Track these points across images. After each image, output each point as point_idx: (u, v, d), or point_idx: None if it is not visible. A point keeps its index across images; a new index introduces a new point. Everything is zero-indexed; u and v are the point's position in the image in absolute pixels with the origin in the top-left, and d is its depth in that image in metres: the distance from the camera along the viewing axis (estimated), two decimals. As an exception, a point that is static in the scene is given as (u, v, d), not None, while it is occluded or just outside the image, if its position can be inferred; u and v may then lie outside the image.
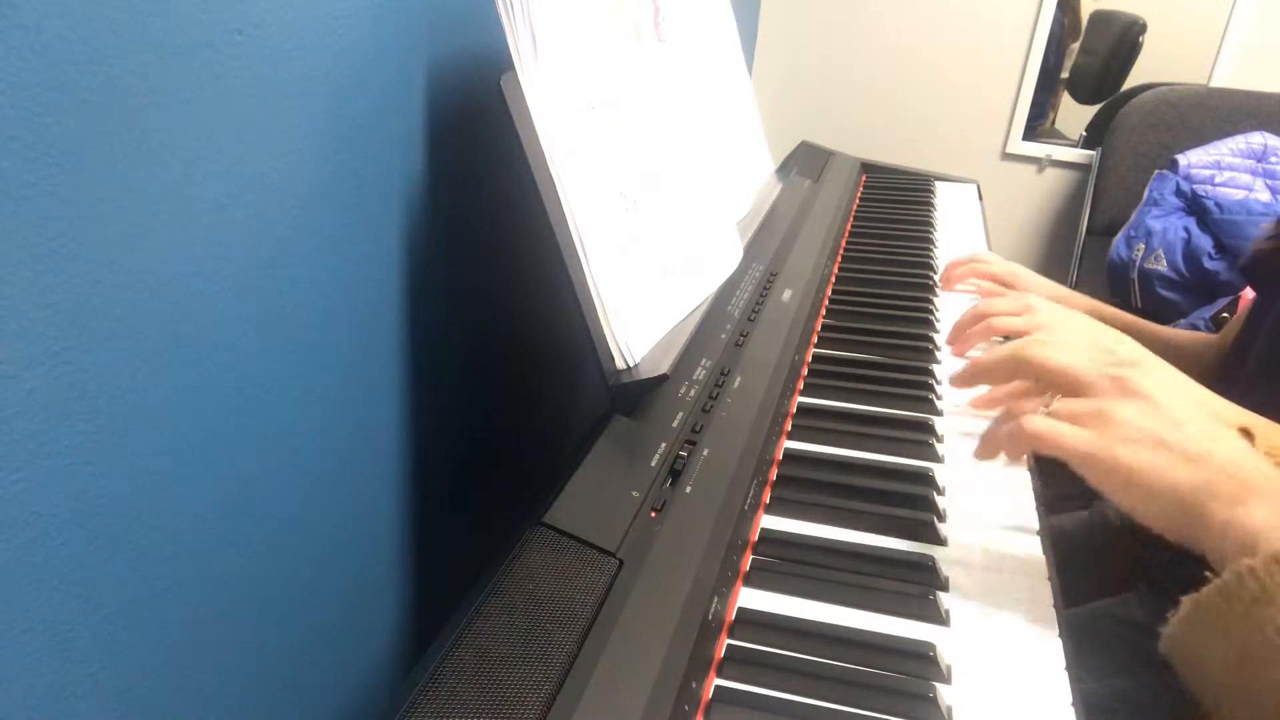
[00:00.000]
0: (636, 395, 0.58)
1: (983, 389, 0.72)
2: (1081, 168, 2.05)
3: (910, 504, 0.59)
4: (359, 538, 0.60)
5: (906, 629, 0.49)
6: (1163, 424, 0.48)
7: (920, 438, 0.67)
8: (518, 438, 0.86)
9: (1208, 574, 0.43)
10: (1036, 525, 0.58)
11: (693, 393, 0.63)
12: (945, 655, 0.47)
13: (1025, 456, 0.66)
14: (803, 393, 0.74)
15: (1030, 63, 1.99)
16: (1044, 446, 0.51)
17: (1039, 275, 0.99)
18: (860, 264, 1.04)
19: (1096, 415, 0.49)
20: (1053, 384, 0.59)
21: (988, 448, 0.54)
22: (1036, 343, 0.60)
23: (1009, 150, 2.07)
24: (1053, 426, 0.50)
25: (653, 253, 0.64)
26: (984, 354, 0.66)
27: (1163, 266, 1.75)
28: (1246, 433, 0.57)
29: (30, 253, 0.32)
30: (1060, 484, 0.61)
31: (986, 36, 2.00)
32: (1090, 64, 2.28)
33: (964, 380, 0.64)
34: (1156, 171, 1.82)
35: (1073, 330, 0.73)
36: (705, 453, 0.58)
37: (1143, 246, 1.78)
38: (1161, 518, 0.46)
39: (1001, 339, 0.81)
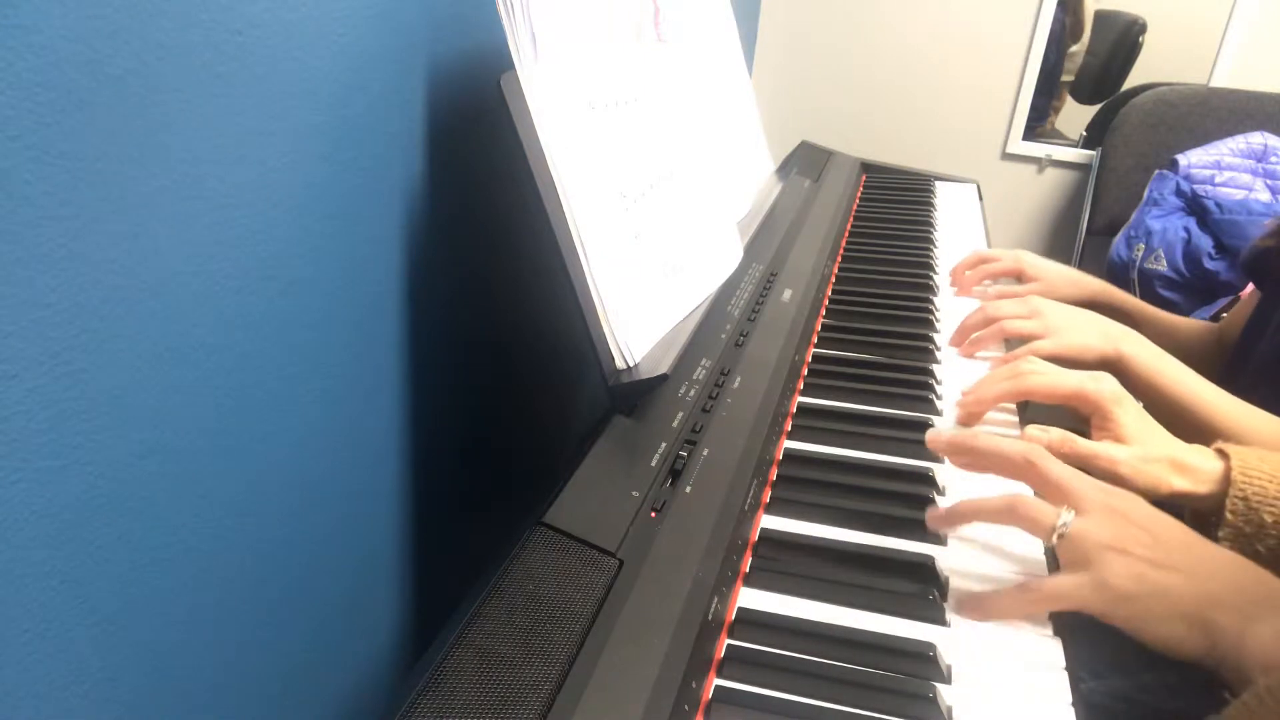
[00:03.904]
0: (636, 395, 0.58)
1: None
2: (1081, 168, 2.05)
3: (910, 504, 0.59)
4: (359, 538, 0.60)
5: (906, 629, 0.49)
6: (1159, 545, 0.48)
7: (920, 438, 0.67)
8: (518, 438, 0.86)
9: (1227, 694, 0.43)
10: (1036, 525, 0.58)
11: (693, 393, 0.63)
12: (945, 655, 0.47)
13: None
14: (803, 393, 0.74)
15: (1030, 63, 1.98)
16: (1051, 607, 0.50)
17: (1046, 260, 0.99)
18: (860, 264, 1.04)
19: (1096, 547, 0.49)
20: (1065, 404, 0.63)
21: (999, 614, 0.51)
22: (1033, 373, 0.64)
23: (1009, 150, 2.07)
24: (1058, 586, 0.49)
25: (653, 252, 0.64)
26: (986, 386, 0.67)
27: (1163, 266, 1.75)
28: (1222, 454, 0.58)
29: (30, 253, 0.32)
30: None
31: (986, 36, 1.99)
32: (1090, 64, 2.28)
33: (968, 419, 0.69)
34: (1156, 171, 1.82)
35: (1080, 330, 0.74)
36: (705, 453, 0.58)
37: (1143, 246, 1.78)
38: (1175, 642, 0.46)
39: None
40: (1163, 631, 0.46)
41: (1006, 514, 0.52)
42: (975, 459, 0.57)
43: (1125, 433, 0.60)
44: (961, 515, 0.55)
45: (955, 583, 0.53)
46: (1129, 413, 0.61)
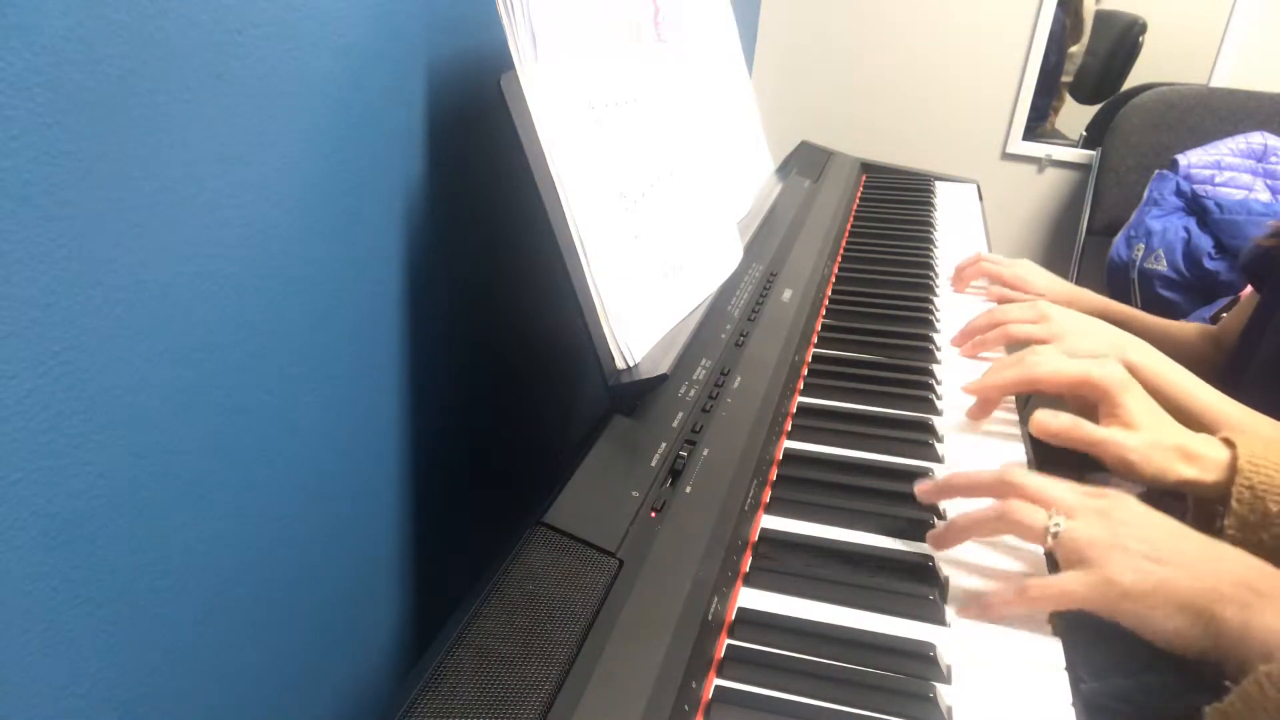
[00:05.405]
0: (636, 395, 0.58)
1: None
2: (1081, 168, 2.04)
3: (910, 504, 0.59)
4: (359, 537, 0.60)
5: (906, 629, 0.49)
6: (1155, 541, 0.48)
7: (920, 438, 0.67)
8: (518, 438, 0.86)
9: (1227, 684, 0.43)
10: (1036, 525, 0.58)
11: (693, 393, 0.63)
12: (945, 655, 0.47)
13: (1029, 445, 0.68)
14: (803, 393, 0.74)
15: (1030, 63, 1.98)
16: (1054, 607, 0.50)
17: (1047, 272, 0.99)
18: (860, 264, 1.04)
19: (1091, 546, 0.49)
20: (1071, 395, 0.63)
21: (1000, 615, 0.51)
22: (1041, 361, 0.64)
23: (1009, 150, 2.07)
24: (1057, 584, 0.49)
25: (653, 253, 0.64)
26: (993, 374, 0.67)
27: (1163, 266, 1.75)
28: (1229, 443, 0.58)
29: (30, 253, 0.32)
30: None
31: (986, 36, 1.99)
32: (1090, 64, 2.28)
33: (977, 410, 0.69)
34: (1156, 171, 1.82)
35: (1087, 337, 0.74)
36: (705, 453, 0.58)
37: (1143, 246, 1.78)
38: (1176, 635, 0.46)
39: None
40: (1165, 626, 0.46)
41: (998, 523, 0.53)
42: (956, 495, 0.57)
43: (1133, 419, 0.60)
44: (957, 532, 0.54)
45: (955, 583, 0.53)
46: (1136, 399, 0.61)
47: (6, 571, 0.33)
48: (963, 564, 0.54)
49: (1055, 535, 0.50)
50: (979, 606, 0.51)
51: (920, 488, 0.58)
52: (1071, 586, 0.48)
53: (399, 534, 0.65)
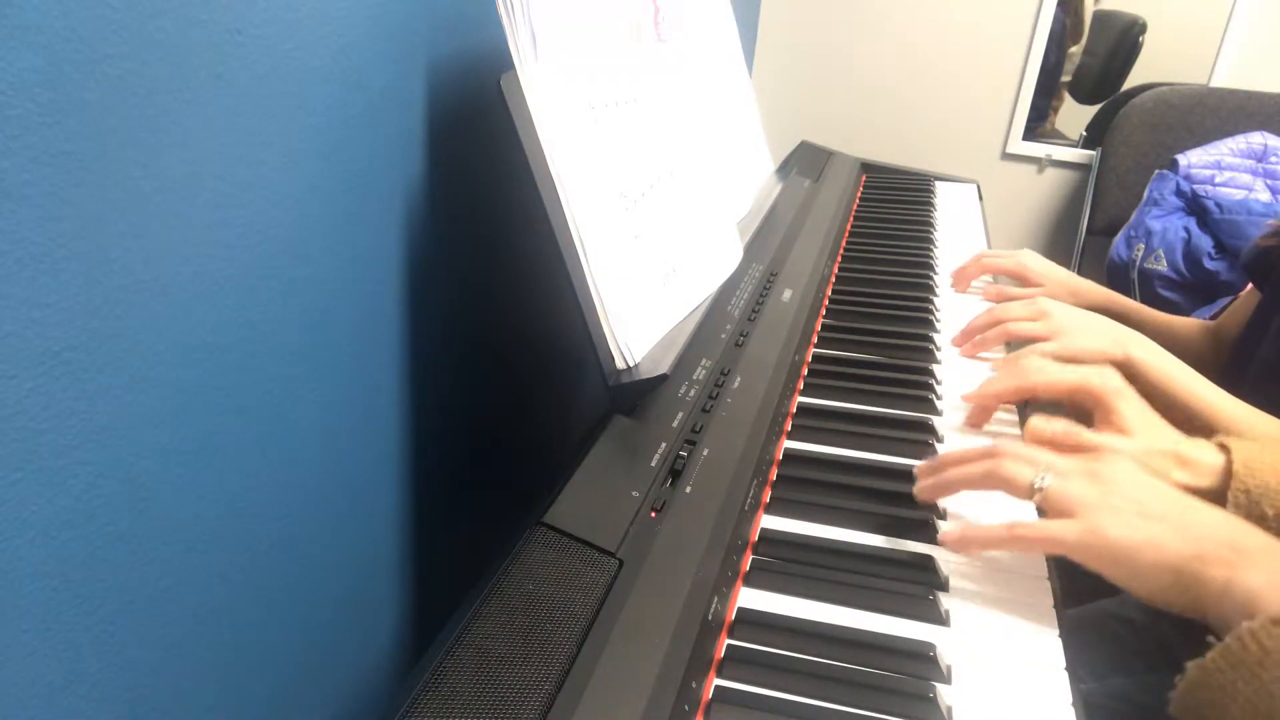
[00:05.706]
0: (636, 395, 0.58)
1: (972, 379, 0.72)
2: (1081, 168, 2.05)
3: (910, 504, 0.59)
4: (359, 538, 0.60)
5: (906, 629, 0.49)
6: (1144, 500, 0.50)
7: (920, 438, 0.67)
8: (518, 438, 0.86)
9: (1210, 639, 0.43)
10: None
11: (693, 393, 0.63)
12: (945, 655, 0.47)
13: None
14: (803, 393, 0.74)
15: (1030, 63, 1.99)
16: (1040, 550, 0.52)
17: (1046, 260, 0.98)
18: (860, 264, 1.04)
19: (1081, 503, 0.50)
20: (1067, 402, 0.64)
21: (982, 545, 0.55)
22: (1037, 369, 0.65)
23: (1009, 150, 2.07)
24: (1046, 528, 0.51)
25: (653, 253, 0.64)
26: (991, 383, 0.68)
27: (1163, 266, 1.75)
28: (1223, 448, 0.58)
29: (30, 253, 0.32)
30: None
31: (986, 36, 2.00)
32: (1090, 64, 2.28)
33: (975, 417, 0.70)
34: (1156, 171, 1.82)
35: (1088, 334, 0.74)
36: (705, 453, 0.58)
37: (1143, 246, 1.78)
38: (1160, 591, 0.48)
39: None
40: (1150, 583, 0.48)
41: (986, 478, 0.54)
42: (942, 470, 0.58)
43: (1128, 425, 0.60)
44: (948, 484, 0.57)
45: (955, 582, 0.53)
46: (1131, 405, 0.61)
47: (6, 571, 0.33)
48: (964, 562, 0.54)
49: (1041, 491, 0.51)
50: (964, 538, 0.53)
51: (918, 468, 0.60)
52: (1060, 532, 0.50)
53: (399, 534, 0.65)
